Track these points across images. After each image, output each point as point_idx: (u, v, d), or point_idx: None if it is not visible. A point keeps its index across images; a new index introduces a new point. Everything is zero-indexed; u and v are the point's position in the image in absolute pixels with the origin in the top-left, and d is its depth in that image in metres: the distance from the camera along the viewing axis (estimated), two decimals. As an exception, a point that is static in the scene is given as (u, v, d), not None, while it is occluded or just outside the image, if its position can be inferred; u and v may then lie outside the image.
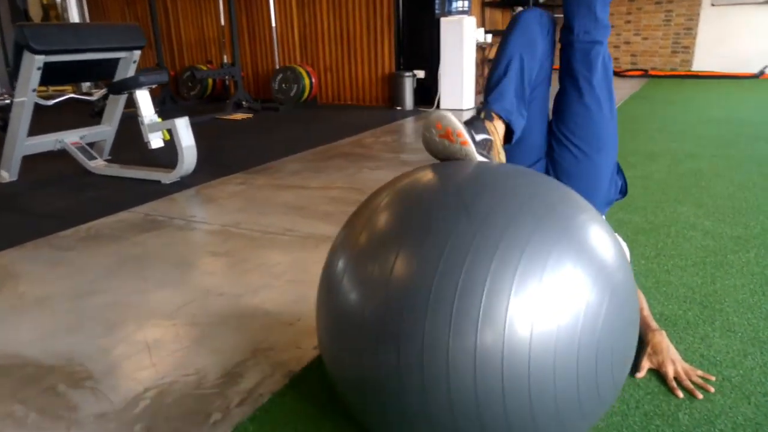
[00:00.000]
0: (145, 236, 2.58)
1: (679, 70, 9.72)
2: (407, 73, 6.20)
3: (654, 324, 1.55)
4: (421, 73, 6.30)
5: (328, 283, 1.06)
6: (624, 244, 2.00)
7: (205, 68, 7.25)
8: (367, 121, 5.70)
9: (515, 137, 1.46)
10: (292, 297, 1.96)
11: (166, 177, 3.40)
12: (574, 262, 0.90)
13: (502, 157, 1.36)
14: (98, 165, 3.66)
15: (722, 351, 1.58)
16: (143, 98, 3.32)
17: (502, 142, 1.39)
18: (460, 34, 5.89)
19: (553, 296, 0.87)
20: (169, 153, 3.60)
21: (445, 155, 1.25)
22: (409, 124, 5.51)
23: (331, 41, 6.75)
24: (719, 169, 3.56)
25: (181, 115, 3.43)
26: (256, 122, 5.83)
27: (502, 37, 1.55)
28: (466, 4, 6.19)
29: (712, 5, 9.34)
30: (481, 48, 6.73)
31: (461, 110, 6.18)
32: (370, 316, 0.92)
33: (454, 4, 6.10)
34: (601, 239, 0.99)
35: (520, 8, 7.36)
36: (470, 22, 5.97)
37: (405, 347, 0.87)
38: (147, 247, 2.45)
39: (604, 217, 1.78)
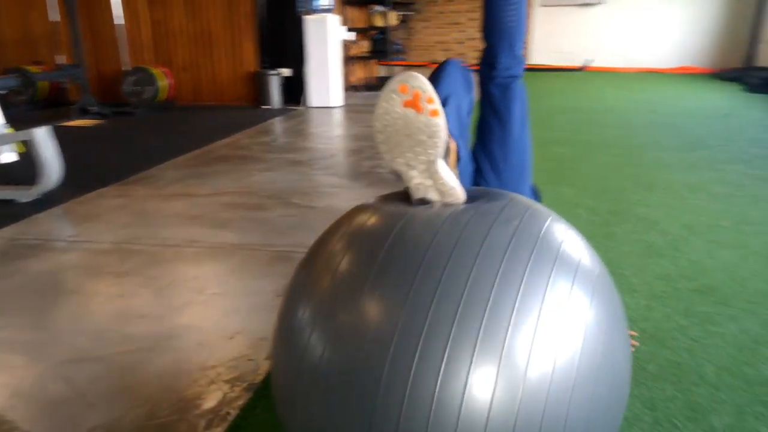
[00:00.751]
0: (21, 263, 2.27)
1: (517, 63, 10.70)
2: (272, 72, 6.10)
3: None
4: (287, 72, 6.21)
5: (290, 334, 0.92)
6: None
7: (37, 70, 6.46)
8: (236, 121, 5.52)
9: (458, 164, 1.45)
10: (221, 311, 1.85)
11: (24, 195, 2.98)
12: (570, 284, 0.85)
13: (456, 173, 1.35)
14: None
15: (632, 308, 1.83)
16: (-12, 106, 2.90)
17: (455, 161, 1.33)
18: (325, 31, 5.90)
19: (553, 327, 0.81)
20: (13, 168, 3.16)
21: (402, 136, 1.03)
22: (282, 123, 5.45)
23: (187, 40, 6.42)
24: (580, 153, 4.01)
25: (11, 123, 3.03)
26: (112, 128, 5.37)
27: (433, 79, 1.57)
28: (331, 1, 6.21)
29: (541, 6, 10.33)
30: (345, 46, 6.79)
31: (330, 107, 6.20)
32: (343, 371, 0.82)
33: (317, 2, 6.09)
34: (581, 250, 0.94)
35: (376, 7, 7.53)
36: (334, 19, 6.01)
37: (384, 402, 0.78)
38: (29, 275, 2.16)
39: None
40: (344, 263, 0.90)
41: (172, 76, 6.39)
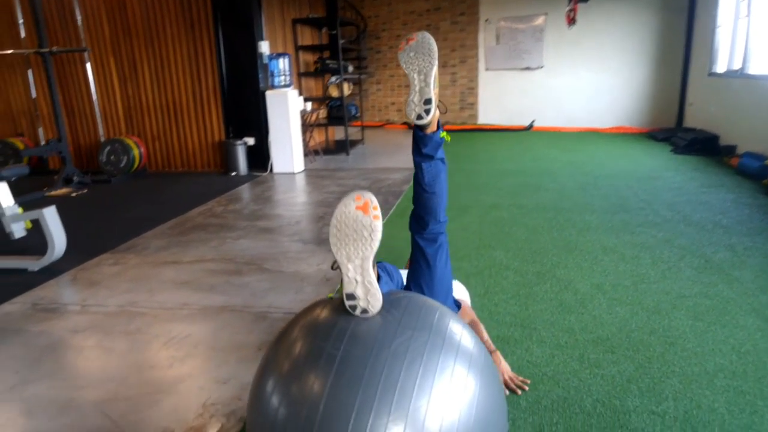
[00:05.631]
0: (46, 325, 2.70)
1: (468, 123, 11.28)
2: (238, 141, 6.59)
3: (492, 346, 2.21)
4: (251, 140, 6.72)
5: (259, 403, 1.30)
6: (464, 288, 2.67)
7: (18, 142, 6.89)
8: (207, 188, 5.92)
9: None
10: (215, 362, 2.31)
11: (34, 264, 3.40)
12: (452, 366, 1.27)
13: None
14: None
15: (539, 356, 2.30)
16: (2, 191, 3.33)
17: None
18: (286, 105, 6.48)
19: (440, 398, 1.21)
20: (20, 239, 3.57)
21: (352, 227, 1.37)
22: (249, 190, 5.87)
23: (157, 112, 6.92)
24: (516, 217, 4.40)
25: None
26: (94, 197, 5.74)
27: None
28: (288, 78, 6.81)
29: (486, 69, 11.12)
30: (302, 115, 7.37)
31: (293, 173, 6.71)
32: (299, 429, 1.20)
33: (277, 79, 6.69)
34: (462, 339, 1.37)
35: (332, 78, 8.20)
36: (293, 94, 6.60)
37: None
38: (56, 336, 2.59)
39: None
40: (301, 352, 1.30)
41: (143, 146, 6.85)
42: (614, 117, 10.25)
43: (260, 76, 6.58)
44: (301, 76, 8.22)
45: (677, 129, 8.95)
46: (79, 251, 3.80)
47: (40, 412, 1.97)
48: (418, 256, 2.14)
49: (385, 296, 1.42)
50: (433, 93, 1.78)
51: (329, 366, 1.24)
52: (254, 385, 1.36)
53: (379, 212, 1.37)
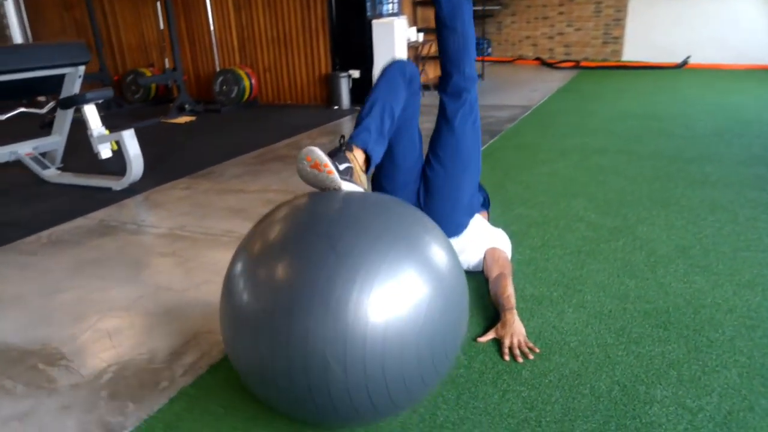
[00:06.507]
0: (101, 241, 2.90)
1: (610, 60, 10.11)
2: (343, 74, 6.50)
3: (511, 305, 1.96)
4: (356, 73, 6.59)
5: (230, 286, 1.34)
6: (506, 239, 2.41)
7: (148, 72, 7.41)
8: (305, 121, 5.96)
9: (374, 163, 1.73)
10: (230, 291, 2.33)
11: (117, 184, 3.68)
12: (412, 274, 1.26)
13: (363, 179, 1.64)
14: (52, 174, 3.92)
15: (569, 322, 2.00)
16: (91, 113, 3.58)
17: (363, 168, 1.67)
18: (392, 34, 6.19)
19: (394, 298, 1.22)
20: (119, 160, 3.86)
21: (315, 182, 1.52)
22: (346, 124, 5.84)
23: (268, 43, 7.01)
24: (619, 164, 3.89)
25: (126, 119, 3.72)
26: (200, 125, 6.04)
27: (374, 84, 1.89)
28: (396, 6, 6.52)
29: (637, -5, 9.83)
30: (413, 47, 7.06)
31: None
32: (265, 314, 1.24)
33: (384, 7, 6.44)
34: (438, 251, 1.36)
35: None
36: (401, 23, 6.28)
37: (292, 338, 1.19)
38: (104, 250, 2.78)
39: (469, 225, 2.25)
40: (267, 239, 1.34)
41: (255, 77, 7.02)
42: (803, 51, 8.50)
43: (368, 3, 6.36)
44: (416, 5, 7.86)
45: None
46: (162, 174, 4.03)
47: (54, 323, 2.11)
48: (440, 118, 2.07)
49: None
50: None
51: (289, 247, 1.29)
52: (227, 270, 1.41)
53: (331, 166, 1.47)
